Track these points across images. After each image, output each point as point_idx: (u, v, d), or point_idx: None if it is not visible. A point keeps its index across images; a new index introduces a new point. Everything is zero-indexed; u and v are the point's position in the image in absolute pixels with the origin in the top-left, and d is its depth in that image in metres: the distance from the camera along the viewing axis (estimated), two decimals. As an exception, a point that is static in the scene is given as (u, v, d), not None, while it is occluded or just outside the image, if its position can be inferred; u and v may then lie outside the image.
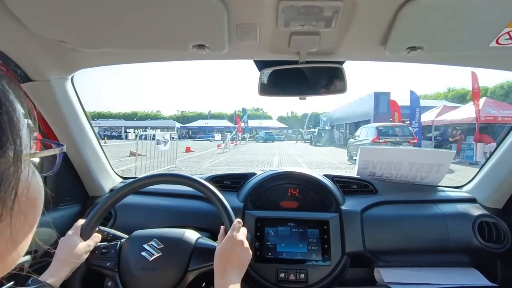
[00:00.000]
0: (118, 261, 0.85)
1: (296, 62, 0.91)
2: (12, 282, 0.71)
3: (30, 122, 0.33)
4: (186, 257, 0.85)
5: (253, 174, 1.29)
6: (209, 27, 0.74)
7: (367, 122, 26.54)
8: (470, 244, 1.11)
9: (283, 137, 47.25)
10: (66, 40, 0.77)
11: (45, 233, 0.99)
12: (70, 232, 0.84)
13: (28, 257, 0.93)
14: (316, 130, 32.79)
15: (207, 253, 0.82)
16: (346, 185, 1.27)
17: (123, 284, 0.83)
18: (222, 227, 0.87)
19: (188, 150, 17.32)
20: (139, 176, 0.97)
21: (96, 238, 0.86)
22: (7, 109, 0.27)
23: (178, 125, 51.43)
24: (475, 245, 1.10)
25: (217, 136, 21.31)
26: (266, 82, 0.96)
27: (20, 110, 0.30)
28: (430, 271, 1.12)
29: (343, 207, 1.13)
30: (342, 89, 0.91)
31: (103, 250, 0.87)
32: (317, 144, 28.49)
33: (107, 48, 0.83)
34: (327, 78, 0.92)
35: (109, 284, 0.86)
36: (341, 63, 0.92)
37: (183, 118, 63.90)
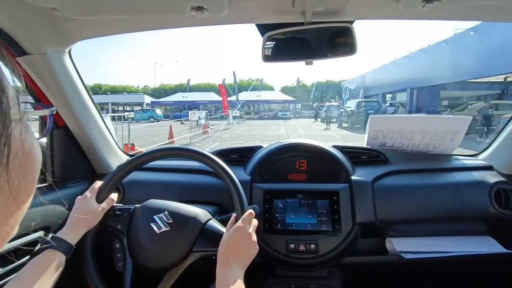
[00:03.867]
0: (129, 226, 0.87)
1: (301, 24, 0.85)
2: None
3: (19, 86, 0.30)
4: (192, 237, 0.84)
5: (260, 147, 1.27)
6: None
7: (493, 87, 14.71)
8: (486, 212, 1.07)
9: (289, 114, 33.99)
10: (58, 7, 0.74)
11: (56, 210, 1.00)
12: (87, 193, 0.86)
13: (40, 233, 0.94)
14: (354, 103, 18.66)
15: (214, 238, 0.81)
16: (356, 155, 1.24)
17: (129, 248, 0.85)
18: (233, 214, 0.84)
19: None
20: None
21: (110, 201, 0.89)
22: None
23: (148, 99, 40.80)
24: (491, 212, 1.07)
25: (194, 115, 15.36)
26: (270, 47, 0.91)
27: (4, 69, 0.27)
28: (444, 240, 1.09)
29: (353, 178, 1.10)
30: (352, 51, 0.85)
31: (117, 212, 0.89)
32: (356, 126, 16.79)
33: (101, 15, 0.79)
34: (336, 39, 0.86)
35: (117, 245, 0.90)
36: (351, 22, 0.86)
37: (159, 92, 49.57)
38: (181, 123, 20.64)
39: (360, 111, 17.25)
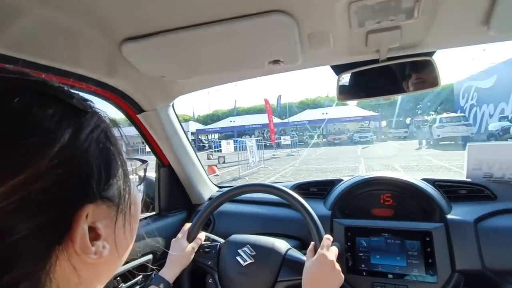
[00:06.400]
0: (217, 261, 0.97)
1: (376, 61, 0.85)
2: (141, 276, 0.88)
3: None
4: (276, 267, 0.89)
5: (340, 180, 1.25)
6: (281, 43, 0.77)
7: None
8: None
9: (370, 135, 24.20)
10: (165, 75, 0.93)
11: (160, 236, 1.18)
12: (179, 235, 0.99)
13: (150, 256, 1.12)
14: None
15: (296, 267, 0.85)
16: (452, 190, 1.09)
17: (220, 282, 0.94)
18: (312, 242, 0.88)
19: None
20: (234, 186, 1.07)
21: (199, 240, 1.00)
22: (114, 141, 0.34)
23: (194, 127, 34.10)
24: None
25: (227, 146, 11.43)
26: (345, 86, 0.92)
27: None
28: None
29: (449, 216, 0.97)
30: (434, 83, 0.80)
31: (206, 250, 1.00)
32: None
33: (197, 76, 0.95)
34: (415, 73, 0.82)
35: (210, 280, 0.98)
36: (430, 53, 0.81)
37: (211, 118, 43.58)
38: (208, 158, 15.01)
39: None
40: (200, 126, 37.66)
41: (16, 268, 0.24)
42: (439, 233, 0.95)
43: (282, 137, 20.15)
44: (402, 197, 1.09)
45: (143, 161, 0.50)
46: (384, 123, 30.45)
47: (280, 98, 32.62)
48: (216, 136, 35.77)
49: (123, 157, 0.35)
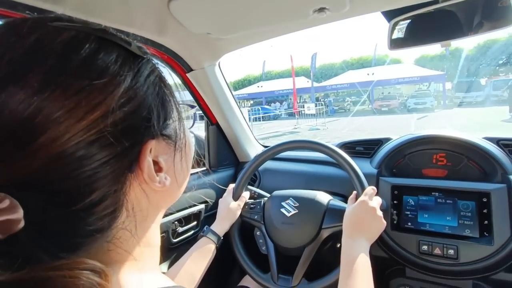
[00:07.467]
0: (263, 215, 1.03)
1: (435, 2, 0.76)
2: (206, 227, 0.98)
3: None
4: (319, 216, 0.94)
5: (389, 139, 1.19)
6: None
7: None
8: None
9: (430, 101, 19.02)
10: (211, 32, 0.95)
11: (211, 189, 1.29)
12: (225, 194, 1.07)
13: (202, 206, 1.24)
14: None
15: (339, 214, 0.88)
16: None
17: (268, 234, 1.01)
18: (354, 192, 0.90)
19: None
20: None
21: (243, 198, 1.07)
22: (168, 86, 0.38)
23: None
24: None
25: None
26: (397, 33, 0.85)
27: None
28: None
29: None
30: (507, 23, 0.69)
31: (251, 206, 1.07)
32: None
33: (241, 31, 0.96)
34: (483, 11, 0.72)
35: (258, 233, 1.07)
36: None
37: (242, 84, 39.85)
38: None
39: None
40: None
41: (99, 189, 0.29)
42: (499, 194, 0.88)
43: (306, 105, 16.69)
44: (459, 157, 1.01)
45: (192, 106, 0.54)
46: (448, 85, 23.80)
47: (315, 56, 23.40)
48: (249, 103, 32.71)
49: (176, 100, 0.39)
